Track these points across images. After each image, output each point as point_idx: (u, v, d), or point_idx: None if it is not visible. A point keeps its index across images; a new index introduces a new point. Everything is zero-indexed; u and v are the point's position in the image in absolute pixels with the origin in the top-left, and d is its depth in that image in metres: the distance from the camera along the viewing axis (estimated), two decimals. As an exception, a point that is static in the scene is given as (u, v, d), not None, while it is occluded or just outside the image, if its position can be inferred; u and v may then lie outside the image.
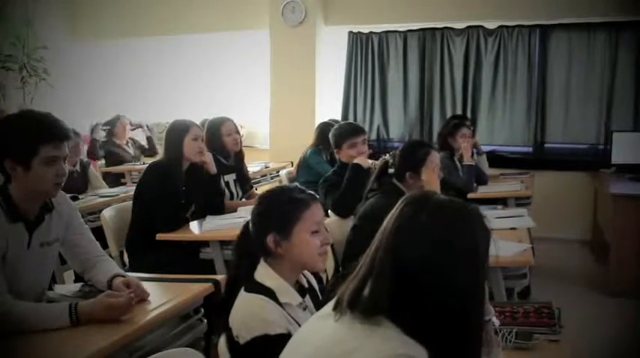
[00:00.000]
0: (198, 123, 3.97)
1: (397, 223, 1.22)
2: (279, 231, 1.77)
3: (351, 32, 7.33)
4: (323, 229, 1.83)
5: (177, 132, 3.65)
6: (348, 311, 1.20)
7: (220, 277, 2.48)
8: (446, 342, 1.15)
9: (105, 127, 6.60)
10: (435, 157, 3.09)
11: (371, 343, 1.13)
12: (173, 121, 3.78)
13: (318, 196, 1.90)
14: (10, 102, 7.06)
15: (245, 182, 4.36)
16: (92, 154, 6.35)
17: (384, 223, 1.25)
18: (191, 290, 2.31)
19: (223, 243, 3.40)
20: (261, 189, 5.86)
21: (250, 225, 1.84)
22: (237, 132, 4.24)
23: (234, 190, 4.17)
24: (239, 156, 4.29)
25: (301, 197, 1.82)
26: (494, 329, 1.43)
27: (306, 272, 1.91)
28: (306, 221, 1.78)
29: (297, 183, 1.96)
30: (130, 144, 6.71)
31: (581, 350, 3.19)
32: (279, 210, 1.79)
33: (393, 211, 1.26)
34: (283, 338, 1.49)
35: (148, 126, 7.05)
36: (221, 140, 4.11)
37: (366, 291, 1.20)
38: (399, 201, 1.27)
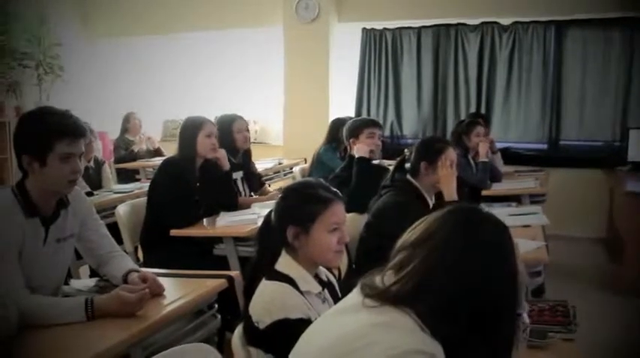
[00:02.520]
0: (212, 119, 3.97)
1: (444, 232, 1.22)
2: (298, 224, 1.81)
3: (364, 29, 7.32)
4: (342, 228, 1.85)
5: (191, 129, 3.66)
6: (372, 304, 1.20)
7: (234, 273, 2.49)
8: (477, 344, 1.15)
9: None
10: (452, 154, 3.08)
11: (389, 337, 1.13)
12: (187, 118, 3.79)
13: (341, 195, 1.91)
14: (26, 99, 7.12)
15: (253, 179, 4.37)
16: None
17: (425, 225, 1.25)
18: (205, 286, 2.32)
19: (237, 240, 3.41)
20: (274, 186, 5.88)
21: (273, 214, 1.87)
22: (247, 130, 4.25)
23: (241, 188, 4.17)
24: (247, 153, 4.30)
25: (324, 195, 1.85)
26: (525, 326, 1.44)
27: (325, 270, 1.95)
28: (326, 219, 1.82)
29: (321, 180, 1.97)
30: (143, 140, 6.74)
31: (595, 350, 3.17)
32: (301, 205, 1.83)
33: (439, 217, 1.26)
34: (303, 323, 1.51)
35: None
36: (231, 137, 4.11)
37: (396, 287, 1.20)
38: (447, 209, 1.27)
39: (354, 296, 1.28)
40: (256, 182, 4.43)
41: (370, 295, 1.22)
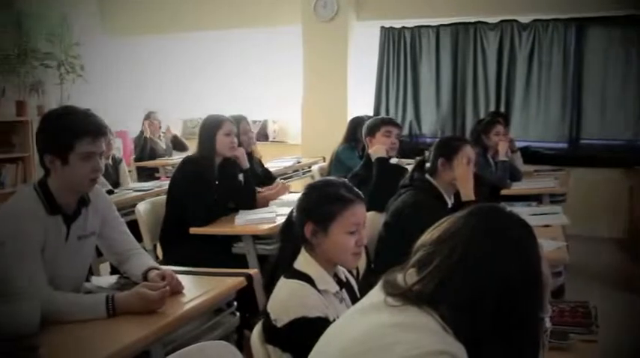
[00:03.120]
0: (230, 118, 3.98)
1: (467, 231, 1.21)
2: (317, 222, 1.81)
3: (383, 27, 7.30)
4: (361, 230, 1.84)
5: (210, 128, 3.67)
6: (394, 303, 1.19)
7: (253, 271, 2.49)
8: (500, 346, 1.14)
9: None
10: (470, 151, 3.05)
11: (411, 338, 1.12)
12: (206, 117, 3.80)
13: (363, 196, 1.90)
14: (48, 98, 7.21)
15: (260, 179, 4.38)
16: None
17: (448, 225, 1.24)
18: (224, 283, 2.33)
19: (256, 238, 3.42)
20: (293, 185, 5.88)
21: (295, 210, 1.88)
22: (251, 131, 4.30)
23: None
24: (248, 154, 4.31)
25: (346, 195, 1.84)
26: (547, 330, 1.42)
27: (344, 270, 1.94)
28: (345, 220, 1.81)
29: (344, 179, 1.97)
30: (162, 138, 6.80)
31: (616, 351, 3.13)
32: (321, 204, 1.83)
33: (462, 216, 1.25)
34: (321, 322, 1.51)
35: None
36: (238, 137, 4.14)
37: (418, 286, 1.19)
38: (469, 209, 1.26)
39: (376, 294, 1.27)
40: (266, 180, 4.44)
41: (392, 294, 1.21)
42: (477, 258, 1.17)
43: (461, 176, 2.95)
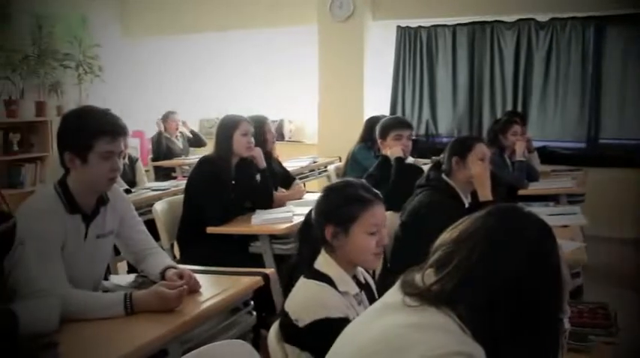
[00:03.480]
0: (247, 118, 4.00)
1: (486, 231, 1.20)
2: (338, 224, 1.80)
3: (399, 27, 7.28)
4: (381, 230, 1.84)
5: (227, 128, 3.68)
6: (412, 304, 1.19)
7: (269, 271, 2.50)
8: (519, 348, 1.13)
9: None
10: (483, 149, 3.04)
11: (430, 338, 1.12)
12: (223, 117, 3.81)
13: (382, 196, 1.90)
14: (67, 98, 7.28)
15: (278, 179, 4.38)
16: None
17: (467, 225, 1.23)
18: (241, 283, 2.33)
19: (273, 237, 3.42)
20: (309, 184, 5.89)
21: (313, 212, 1.88)
22: (270, 131, 4.29)
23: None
24: (268, 154, 4.31)
25: (366, 196, 1.84)
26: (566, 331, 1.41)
27: (363, 271, 1.94)
28: (365, 221, 1.80)
29: (363, 180, 1.96)
30: (179, 138, 6.85)
31: (637, 354, 3.09)
32: (341, 205, 1.82)
33: (480, 216, 1.24)
34: (343, 322, 1.50)
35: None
36: (264, 138, 4.15)
37: (437, 286, 1.18)
38: (488, 209, 1.25)
39: (394, 294, 1.27)
40: (282, 181, 4.44)
41: (410, 294, 1.20)
42: (496, 258, 1.16)
43: (478, 176, 2.93)
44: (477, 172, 2.94)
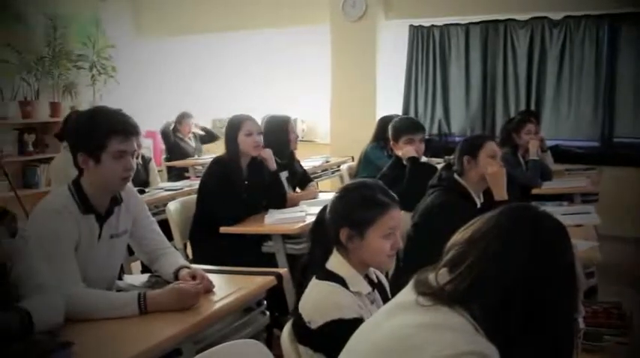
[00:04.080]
0: (260, 118, 4.01)
1: (499, 231, 1.20)
2: (353, 227, 1.79)
3: (411, 26, 7.26)
4: (396, 233, 1.83)
5: (232, 129, 3.69)
6: (426, 303, 1.19)
7: (282, 270, 2.50)
8: (533, 347, 1.13)
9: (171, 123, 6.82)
10: (494, 146, 3.03)
11: (443, 338, 1.12)
12: (230, 117, 3.82)
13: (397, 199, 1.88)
14: (81, 99, 7.33)
15: (298, 179, 4.38)
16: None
17: (480, 225, 1.23)
18: (254, 282, 2.33)
19: (285, 237, 3.42)
20: (322, 184, 5.89)
21: (327, 214, 1.86)
22: (294, 131, 4.29)
23: (285, 187, 4.19)
24: (291, 154, 4.31)
25: (383, 199, 1.82)
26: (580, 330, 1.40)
27: (376, 270, 1.93)
28: (381, 224, 1.79)
29: (380, 182, 1.95)
30: (191, 138, 6.87)
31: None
32: (358, 209, 1.80)
33: (494, 215, 1.24)
34: (357, 323, 1.50)
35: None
36: (287, 138, 4.15)
37: (450, 286, 1.18)
38: (501, 209, 1.25)
39: (407, 293, 1.26)
40: (300, 180, 4.44)
41: (424, 293, 1.20)
42: (508, 257, 1.16)
43: (493, 174, 2.92)
44: (492, 171, 2.92)
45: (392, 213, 1.81)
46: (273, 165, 3.82)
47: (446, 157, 3.23)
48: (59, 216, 2.08)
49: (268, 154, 3.79)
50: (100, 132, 2.10)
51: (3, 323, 1.67)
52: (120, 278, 2.47)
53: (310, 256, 1.87)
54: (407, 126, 3.97)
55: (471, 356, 1.08)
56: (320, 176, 5.94)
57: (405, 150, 3.84)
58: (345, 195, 1.86)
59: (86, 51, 7.34)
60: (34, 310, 1.75)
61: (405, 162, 3.82)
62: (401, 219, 1.87)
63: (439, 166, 3.52)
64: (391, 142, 4.00)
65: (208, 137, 7.03)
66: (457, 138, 6.88)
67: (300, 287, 1.81)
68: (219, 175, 3.63)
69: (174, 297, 2.04)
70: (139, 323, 1.95)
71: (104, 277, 2.26)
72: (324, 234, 1.84)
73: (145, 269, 3.13)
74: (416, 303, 1.20)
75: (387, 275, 2.11)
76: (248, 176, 3.73)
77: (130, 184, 2.32)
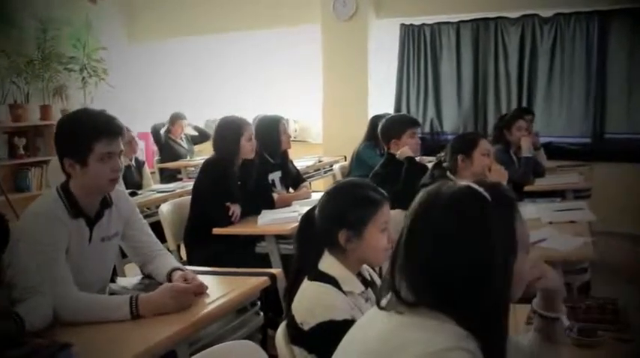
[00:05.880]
0: (252, 118, 4.00)
1: (412, 217, 1.21)
2: (352, 228, 1.78)
3: (402, 24, 7.26)
4: (389, 227, 1.83)
5: (233, 133, 3.68)
6: (397, 304, 1.20)
7: (276, 271, 2.49)
8: (481, 331, 1.12)
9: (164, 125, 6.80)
10: (486, 143, 3.05)
11: (423, 336, 1.12)
12: (224, 119, 3.81)
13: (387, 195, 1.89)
14: (71, 102, 7.28)
15: (291, 179, 4.38)
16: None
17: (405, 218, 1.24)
18: (248, 283, 2.33)
19: (279, 237, 3.42)
20: (315, 184, 5.88)
21: (319, 216, 1.84)
22: (286, 131, 4.28)
23: (279, 187, 4.19)
24: (284, 154, 4.31)
25: (375, 196, 1.83)
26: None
27: (369, 268, 1.93)
28: (377, 220, 1.80)
29: (367, 180, 1.95)
30: (183, 139, 6.85)
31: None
32: (354, 209, 1.80)
33: (412, 204, 1.24)
34: (348, 324, 1.50)
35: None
36: (278, 138, 4.13)
37: (404, 285, 1.20)
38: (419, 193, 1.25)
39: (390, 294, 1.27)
40: (293, 181, 4.44)
41: (399, 295, 1.21)
42: (423, 247, 1.17)
43: (494, 175, 2.94)
44: (493, 171, 2.94)
45: (384, 209, 1.83)
46: None
47: (438, 155, 3.24)
48: (47, 220, 2.06)
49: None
50: (85, 136, 2.08)
51: (3, 330, 1.67)
52: (113, 281, 2.46)
53: (301, 260, 1.86)
54: (409, 120, 4.03)
55: (454, 352, 1.09)
56: (313, 176, 5.94)
57: (402, 151, 3.84)
58: (336, 197, 1.85)
59: (77, 53, 7.31)
60: (24, 314, 1.75)
61: (402, 160, 3.81)
62: (390, 214, 1.87)
63: (430, 165, 3.53)
64: (392, 141, 3.92)
65: (201, 137, 7.02)
66: (449, 137, 6.88)
67: (291, 291, 1.79)
68: (213, 176, 3.63)
69: (167, 298, 2.03)
70: (133, 326, 1.95)
71: (96, 280, 2.25)
72: (313, 236, 1.83)
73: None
74: (392, 306, 1.21)
75: (381, 274, 2.10)
76: (241, 178, 3.73)
77: (120, 186, 2.31)
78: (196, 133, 7.04)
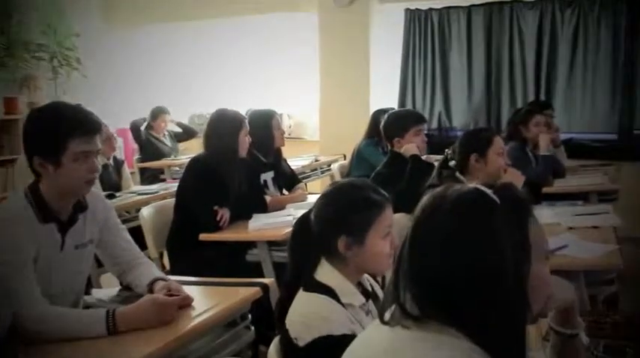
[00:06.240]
0: (243, 113, 4.00)
1: (416, 221, 1.21)
2: (352, 234, 1.78)
3: (407, 10, 7.28)
4: (392, 231, 1.83)
5: (231, 127, 3.68)
6: (402, 318, 1.20)
7: (269, 281, 2.50)
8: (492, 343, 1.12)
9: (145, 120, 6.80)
10: (500, 141, 3.07)
11: (433, 353, 1.12)
12: (220, 112, 3.80)
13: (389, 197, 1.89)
14: (41, 94, 7.26)
15: (285, 180, 4.37)
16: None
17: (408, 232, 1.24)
18: (237, 294, 2.32)
19: (272, 244, 3.42)
20: (311, 185, 5.88)
21: (315, 221, 1.84)
22: (279, 127, 4.28)
23: (272, 189, 4.18)
24: (277, 152, 4.30)
25: (377, 198, 1.83)
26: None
27: (369, 278, 1.92)
28: (379, 225, 1.80)
29: (367, 180, 1.95)
30: (166, 136, 6.85)
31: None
32: (354, 213, 1.79)
33: (417, 207, 1.24)
34: (347, 339, 1.49)
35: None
36: (270, 135, 4.12)
37: (409, 296, 1.19)
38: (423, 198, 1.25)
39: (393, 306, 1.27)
40: (288, 182, 4.43)
41: (404, 308, 1.21)
42: (424, 256, 1.17)
43: (509, 178, 2.94)
44: (510, 172, 2.96)
45: (387, 212, 1.82)
46: None
47: (446, 151, 3.24)
48: (14, 225, 2.04)
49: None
50: (58, 132, 2.06)
51: None
52: (87, 293, 2.45)
53: (295, 269, 1.85)
54: (414, 117, 4.04)
55: None
56: (309, 176, 5.94)
57: (407, 148, 3.84)
58: (335, 200, 1.84)
59: (46, 40, 7.28)
60: None
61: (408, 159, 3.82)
62: (392, 217, 1.87)
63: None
64: (395, 139, 3.95)
65: (186, 134, 7.01)
66: (459, 133, 6.88)
67: (284, 306, 1.79)
68: (200, 176, 3.62)
69: (149, 311, 2.01)
70: (110, 343, 1.93)
71: (69, 292, 2.23)
72: (309, 243, 1.82)
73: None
74: (394, 319, 1.21)
75: (383, 283, 2.10)
76: (229, 178, 3.71)
77: (96, 188, 2.30)
78: (180, 130, 7.03)
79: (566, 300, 1.35)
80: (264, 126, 4.11)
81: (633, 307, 2.43)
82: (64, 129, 2.06)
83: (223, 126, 3.71)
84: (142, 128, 6.76)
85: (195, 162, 3.76)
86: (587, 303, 2.76)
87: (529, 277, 1.16)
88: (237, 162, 3.71)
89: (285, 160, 4.55)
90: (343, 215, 1.80)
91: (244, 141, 3.69)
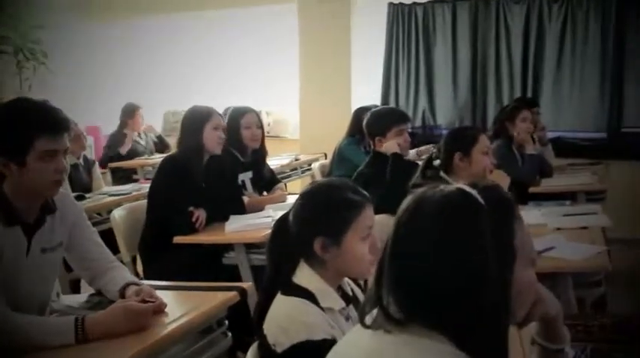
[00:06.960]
0: (220, 111, 3.98)
1: (398, 223, 1.23)
2: (329, 235, 1.78)
3: (391, 4, 7.30)
4: (373, 234, 1.83)
5: (197, 121, 3.67)
6: (385, 322, 1.21)
7: (246, 285, 2.49)
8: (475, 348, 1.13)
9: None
10: (486, 140, 3.08)
11: (408, 356, 1.14)
12: (191, 108, 3.81)
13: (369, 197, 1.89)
14: (5, 89, 7.16)
15: (264, 180, 4.36)
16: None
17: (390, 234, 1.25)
18: (213, 299, 2.32)
19: (249, 246, 3.41)
20: (291, 185, 5.87)
21: (293, 222, 1.84)
22: (259, 126, 4.22)
23: (250, 190, 4.17)
24: (261, 153, 4.28)
25: (355, 198, 1.82)
26: None
27: (350, 282, 1.92)
28: (358, 226, 1.79)
29: (347, 180, 1.95)
30: (142, 136, 6.80)
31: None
32: (331, 213, 1.80)
33: (399, 209, 1.25)
34: (327, 344, 1.49)
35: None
36: (239, 133, 4.11)
37: (392, 300, 1.21)
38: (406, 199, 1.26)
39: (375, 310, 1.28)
40: (266, 182, 4.42)
41: (386, 312, 1.22)
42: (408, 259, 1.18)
43: (497, 178, 2.97)
44: (496, 173, 2.98)
45: (367, 212, 1.82)
46: None
47: (431, 149, 3.26)
48: None
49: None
50: (23, 130, 2.03)
51: None
52: (55, 300, 2.43)
53: (273, 272, 1.85)
54: (396, 115, 4.02)
55: None
56: (289, 176, 5.94)
57: (388, 145, 3.85)
58: (312, 201, 1.85)
59: (9, 32, 7.18)
60: None
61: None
62: (373, 218, 1.87)
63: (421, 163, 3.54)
64: (375, 138, 3.96)
65: (160, 146, 6.95)
66: (444, 131, 6.92)
67: (263, 310, 1.78)
68: (172, 176, 3.61)
69: (121, 318, 2.00)
70: (79, 352, 1.91)
71: (35, 298, 2.21)
72: (287, 245, 1.83)
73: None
74: (377, 323, 1.22)
75: (365, 287, 2.10)
76: (206, 177, 3.70)
77: (65, 189, 2.28)
78: (157, 140, 6.98)
79: (548, 314, 1.35)
80: (235, 124, 4.10)
81: (621, 309, 2.45)
82: (29, 126, 2.04)
83: (189, 121, 3.71)
84: (117, 130, 6.68)
85: (166, 160, 3.76)
86: (575, 306, 2.79)
87: (514, 281, 1.17)
88: (206, 158, 3.69)
89: (264, 158, 4.54)
90: (319, 215, 1.80)
91: (212, 135, 3.65)
